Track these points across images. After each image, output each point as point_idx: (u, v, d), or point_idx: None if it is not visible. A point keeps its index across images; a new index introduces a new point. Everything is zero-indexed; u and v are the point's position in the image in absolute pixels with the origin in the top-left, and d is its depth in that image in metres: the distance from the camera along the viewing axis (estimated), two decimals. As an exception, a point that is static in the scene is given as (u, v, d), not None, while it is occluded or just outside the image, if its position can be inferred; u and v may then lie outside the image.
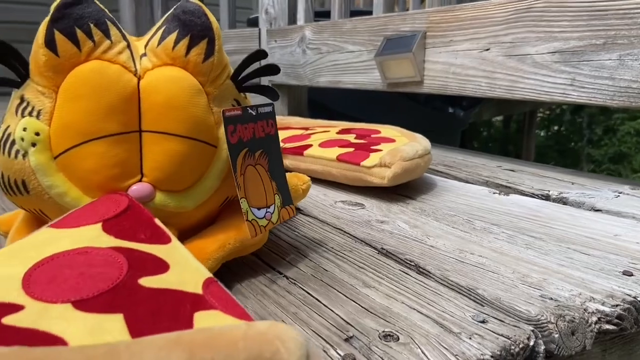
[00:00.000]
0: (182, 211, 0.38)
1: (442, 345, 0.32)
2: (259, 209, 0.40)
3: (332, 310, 0.37)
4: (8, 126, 0.36)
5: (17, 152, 0.35)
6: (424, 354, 0.31)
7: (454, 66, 0.87)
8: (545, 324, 0.35)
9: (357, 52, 1.08)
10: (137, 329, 0.23)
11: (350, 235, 0.53)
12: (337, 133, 0.82)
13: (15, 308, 0.23)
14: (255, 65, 0.42)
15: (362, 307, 0.37)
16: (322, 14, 1.34)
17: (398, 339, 0.33)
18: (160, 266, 0.28)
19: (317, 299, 0.38)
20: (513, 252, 0.47)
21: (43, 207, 0.36)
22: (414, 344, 0.32)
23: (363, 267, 0.44)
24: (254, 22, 1.56)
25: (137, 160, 0.36)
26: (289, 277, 0.42)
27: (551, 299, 0.38)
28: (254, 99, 0.46)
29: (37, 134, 0.34)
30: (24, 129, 0.34)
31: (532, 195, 0.67)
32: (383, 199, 0.66)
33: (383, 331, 0.34)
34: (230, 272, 0.43)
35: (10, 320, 0.22)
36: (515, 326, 0.34)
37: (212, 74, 0.38)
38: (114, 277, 0.26)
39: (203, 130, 0.38)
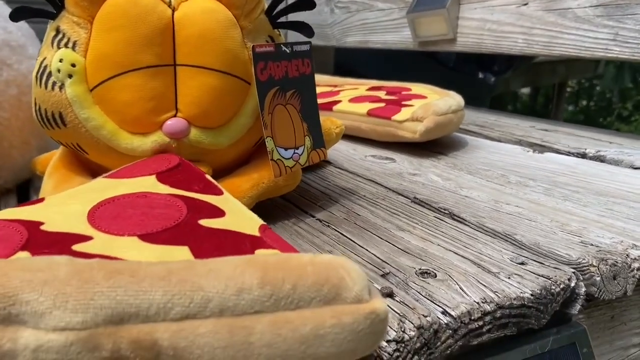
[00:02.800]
0: (216, 148, 0.38)
1: (481, 283, 0.31)
2: (286, 149, 0.40)
3: (367, 250, 0.36)
4: (44, 58, 0.36)
5: (54, 84, 0.35)
6: (462, 290, 0.30)
7: (490, 22, 0.84)
8: (587, 267, 0.34)
9: (387, 10, 1.05)
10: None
11: (382, 185, 0.52)
12: (367, 90, 0.81)
13: (84, 238, 0.23)
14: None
15: (397, 247, 0.36)
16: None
17: (435, 275, 0.32)
18: (216, 212, 0.28)
19: (351, 240, 0.38)
20: (550, 203, 0.46)
21: (80, 140, 0.36)
22: (452, 280, 0.31)
23: (396, 213, 0.43)
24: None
25: (172, 95, 0.36)
26: (322, 220, 0.42)
27: (592, 244, 0.37)
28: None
29: (73, 65, 0.34)
30: (60, 61, 0.34)
31: (568, 154, 0.65)
32: (414, 154, 0.65)
33: (420, 269, 0.33)
34: (263, 213, 0.43)
35: (80, 247, 0.22)
36: (556, 268, 0.33)
37: (246, 7, 0.37)
38: (175, 217, 0.26)
39: (238, 65, 0.37)
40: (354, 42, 1.17)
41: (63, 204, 0.27)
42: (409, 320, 0.27)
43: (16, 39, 0.48)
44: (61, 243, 0.22)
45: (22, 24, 0.52)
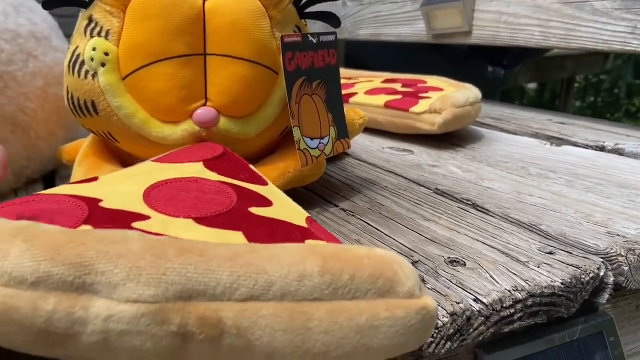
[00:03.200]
0: (244, 137, 0.38)
1: (511, 272, 0.31)
2: (312, 138, 0.40)
3: (394, 239, 0.36)
4: (77, 47, 0.36)
5: (87, 72, 0.35)
6: (493, 278, 0.31)
7: (506, 15, 0.84)
8: (615, 257, 0.34)
9: (400, 3, 1.05)
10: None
11: (402, 176, 0.52)
12: (382, 82, 0.81)
13: (142, 217, 0.24)
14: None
15: (424, 237, 0.37)
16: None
17: (465, 264, 0.32)
18: (264, 201, 0.28)
19: (377, 229, 0.38)
20: (573, 194, 0.46)
21: (111, 128, 0.37)
22: (482, 269, 0.32)
23: (420, 204, 0.44)
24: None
25: (202, 84, 0.36)
26: (346, 210, 0.42)
27: (618, 235, 0.37)
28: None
29: (106, 53, 0.35)
30: (93, 49, 0.35)
31: (586, 147, 0.65)
32: (431, 146, 0.65)
33: (448, 257, 0.33)
34: (288, 203, 0.43)
35: (139, 225, 0.23)
36: (585, 257, 0.33)
37: (276, -3, 0.37)
38: (226, 203, 0.26)
39: (266, 54, 0.37)
40: (366, 35, 1.17)
41: (117, 184, 0.27)
42: (442, 307, 0.28)
43: (41, 31, 0.48)
44: (121, 220, 0.23)
45: (47, 15, 0.53)
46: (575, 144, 0.66)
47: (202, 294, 0.18)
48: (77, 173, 0.39)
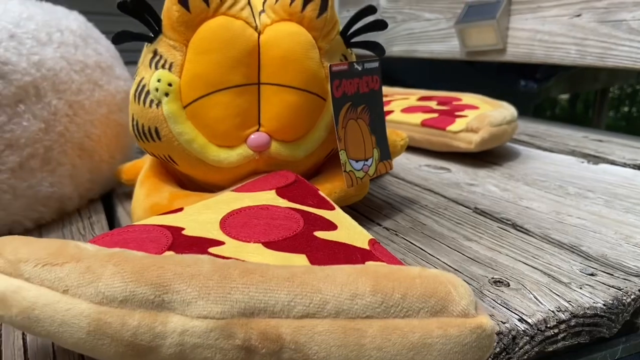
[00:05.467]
0: (293, 160, 0.41)
1: (554, 293, 0.33)
2: (357, 161, 0.42)
3: (438, 259, 0.38)
4: (142, 78, 0.39)
5: (152, 101, 0.38)
6: (537, 299, 0.32)
7: (541, 33, 0.84)
8: (657, 280, 0.35)
9: (434, 20, 1.07)
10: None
11: (442, 195, 0.54)
12: (418, 100, 0.83)
13: (218, 243, 0.26)
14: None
15: (467, 256, 0.38)
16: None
17: (509, 285, 0.34)
18: (329, 225, 0.30)
19: (421, 248, 0.40)
20: (612, 215, 0.47)
21: (172, 153, 0.40)
22: (526, 289, 0.33)
23: (461, 223, 0.45)
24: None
25: (255, 111, 0.39)
26: (390, 229, 0.44)
27: (660, 257, 0.37)
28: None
29: (170, 84, 0.37)
30: (158, 80, 0.38)
31: (624, 165, 0.65)
32: (468, 164, 0.66)
33: (492, 277, 0.35)
34: (333, 222, 0.45)
35: (215, 250, 0.25)
36: (626, 279, 0.34)
37: (324, 29, 0.40)
38: (293, 228, 0.29)
39: (316, 83, 0.40)
40: (399, 52, 1.19)
41: (199, 213, 0.30)
42: (488, 326, 0.29)
43: (105, 60, 0.52)
44: (199, 246, 0.25)
45: (110, 45, 0.57)
46: (613, 163, 0.66)
47: (262, 311, 0.21)
48: (139, 194, 0.42)
